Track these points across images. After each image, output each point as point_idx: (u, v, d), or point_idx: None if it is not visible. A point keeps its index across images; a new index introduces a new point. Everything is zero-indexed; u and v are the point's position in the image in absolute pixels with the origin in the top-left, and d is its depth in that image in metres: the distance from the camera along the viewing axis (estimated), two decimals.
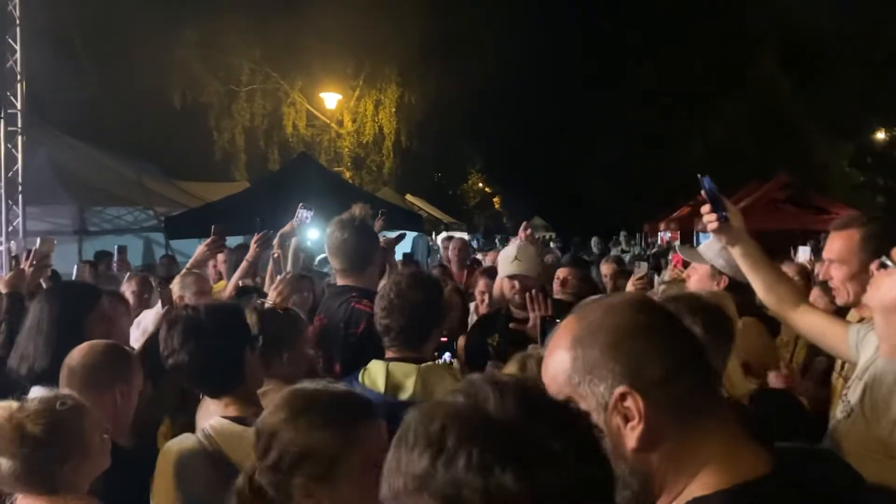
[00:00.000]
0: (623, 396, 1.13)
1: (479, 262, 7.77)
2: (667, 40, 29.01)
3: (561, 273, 4.99)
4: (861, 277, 2.46)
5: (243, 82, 23.82)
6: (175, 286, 4.20)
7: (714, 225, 2.48)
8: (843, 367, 2.93)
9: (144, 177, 12.78)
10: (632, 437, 1.13)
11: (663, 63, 29.30)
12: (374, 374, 2.65)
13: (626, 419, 1.14)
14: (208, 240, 4.25)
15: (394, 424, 2.00)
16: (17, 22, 9.80)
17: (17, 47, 9.78)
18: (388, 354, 2.75)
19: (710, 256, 3.37)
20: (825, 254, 2.77)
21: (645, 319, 1.19)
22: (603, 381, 1.15)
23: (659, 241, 20.96)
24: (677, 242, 15.74)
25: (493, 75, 26.57)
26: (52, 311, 3.05)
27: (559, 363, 1.20)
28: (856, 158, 27.60)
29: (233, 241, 8.63)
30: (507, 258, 3.97)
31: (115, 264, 5.86)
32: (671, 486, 1.16)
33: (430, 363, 2.72)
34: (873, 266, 2.21)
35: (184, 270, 4.37)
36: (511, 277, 3.90)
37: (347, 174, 24.02)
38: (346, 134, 25.13)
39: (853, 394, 2.22)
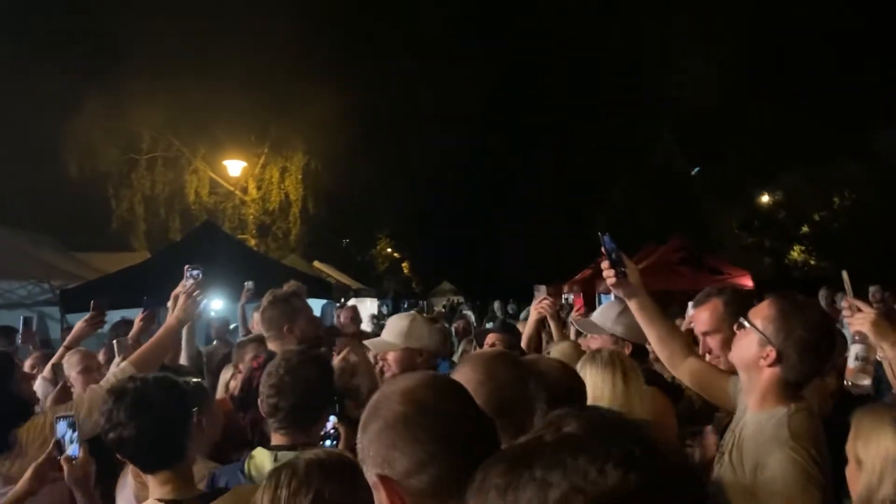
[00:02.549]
0: (376, 483, 1.25)
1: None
2: (571, 116, 30.45)
3: (490, 339, 5.00)
4: (733, 342, 2.68)
5: (144, 150, 23.35)
6: (64, 364, 4.11)
7: (612, 280, 2.62)
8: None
9: (39, 248, 12.23)
10: None
11: (567, 138, 30.66)
12: (261, 465, 2.43)
13: (383, 498, 1.24)
14: (87, 315, 4.16)
15: None
16: None
17: None
18: (276, 440, 2.54)
19: (607, 326, 3.47)
20: (697, 329, 2.98)
21: (402, 411, 1.26)
22: (369, 466, 1.27)
23: (563, 303, 21.43)
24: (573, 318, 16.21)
25: (401, 143, 27.09)
26: None
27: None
28: (745, 222, 29.40)
29: (133, 312, 8.35)
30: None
31: (19, 337, 5.59)
32: None
33: (313, 450, 2.58)
34: (735, 327, 2.39)
35: (62, 349, 4.27)
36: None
37: (252, 241, 23.66)
38: (251, 201, 24.86)
39: (726, 445, 2.36)
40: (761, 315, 2.27)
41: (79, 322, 4.23)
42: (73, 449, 2.64)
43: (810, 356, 2.22)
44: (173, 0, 20.69)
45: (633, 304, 2.69)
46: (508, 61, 31.19)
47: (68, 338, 4.31)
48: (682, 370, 2.70)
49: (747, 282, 15.61)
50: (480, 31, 31.17)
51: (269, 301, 3.88)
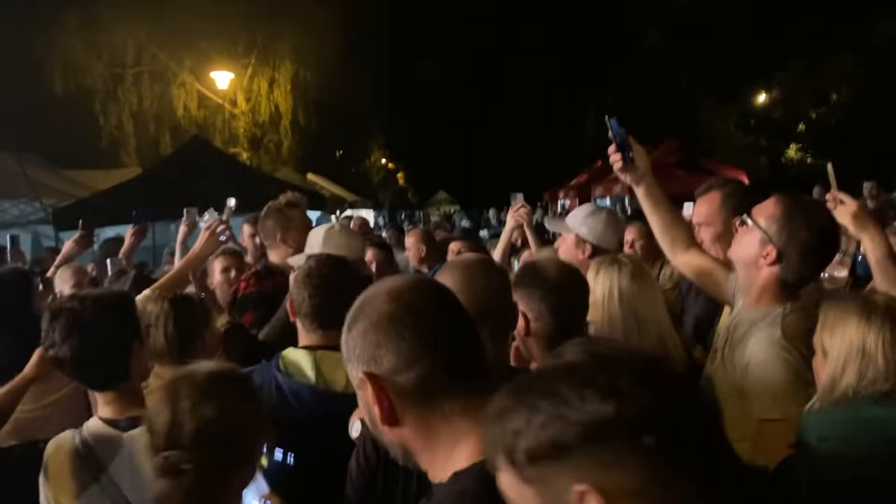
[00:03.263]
0: (363, 380, 1.27)
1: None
2: (560, 18, 29.65)
3: (455, 246, 5.05)
4: (726, 237, 2.68)
5: (129, 64, 22.84)
6: (56, 280, 4.14)
7: (619, 165, 2.56)
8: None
9: (27, 167, 12.12)
10: (375, 413, 1.27)
11: (557, 38, 29.95)
12: (297, 362, 2.40)
13: (369, 401, 1.27)
14: (76, 235, 4.17)
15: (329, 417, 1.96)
16: None
17: None
18: (310, 340, 2.50)
19: (573, 224, 3.45)
20: (694, 219, 2.98)
21: (389, 310, 1.27)
22: (355, 364, 1.29)
23: (559, 210, 21.47)
24: (546, 216, 16.30)
25: (391, 49, 26.50)
26: None
27: None
28: (740, 122, 29.04)
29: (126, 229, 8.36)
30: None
31: (9, 254, 5.60)
32: (430, 460, 1.29)
33: None
34: (736, 222, 2.37)
35: (53, 268, 4.30)
36: None
37: (245, 155, 23.46)
38: (241, 114, 24.52)
39: (720, 340, 2.38)
40: (765, 213, 2.24)
41: (68, 241, 4.24)
42: None
43: (812, 259, 2.20)
44: None
45: (639, 191, 2.63)
46: None
47: (59, 257, 4.33)
48: (682, 260, 2.68)
49: (743, 181, 15.58)
50: None
51: (264, 212, 3.89)
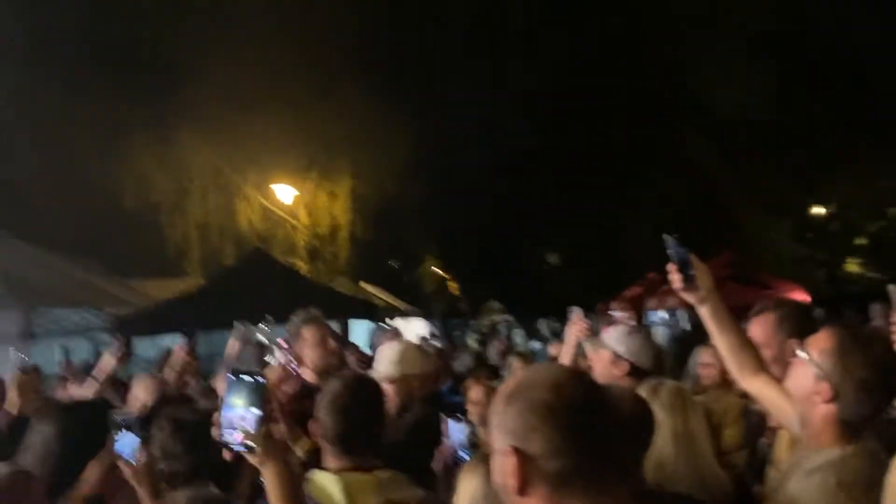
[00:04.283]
0: (508, 452, 1.39)
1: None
2: (604, 126, 30.10)
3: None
4: (783, 360, 2.56)
5: (195, 178, 23.96)
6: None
7: (678, 285, 2.50)
8: None
9: (93, 277, 12.65)
10: (510, 484, 1.39)
11: (600, 147, 30.35)
12: (324, 487, 2.39)
13: (508, 469, 1.39)
14: (113, 348, 4.23)
15: None
16: None
17: None
18: (336, 463, 2.50)
19: (609, 342, 3.43)
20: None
21: (548, 399, 1.39)
22: (504, 434, 1.42)
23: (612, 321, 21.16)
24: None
25: (445, 163, 27.21)
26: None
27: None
28: (794, 234, 28.59)
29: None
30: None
31: (60, 366, 5.81)
32: None
33: (382, 473, 2.56)
34: (791, 346, 2.30)
35: (91, 379, 4.35)
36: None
37: (303, 265, 24.02)
38: (301, 226, 25.29)
39: (774, 480, 2.31)
40: (819, 346, 2.12)
41: (105, 355, 4.35)
42: (125, 447, 2.58)
43: (871, 396, 2.06)
44: (224, 32, 21.30)
45: (703, 311, 2.54)
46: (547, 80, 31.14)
47: (97, 370, 4.41)
48: (750, 385, 2.57)
49: (801, 296, 15.20)
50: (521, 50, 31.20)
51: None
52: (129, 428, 2.59)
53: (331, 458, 2.52)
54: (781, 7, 24.22)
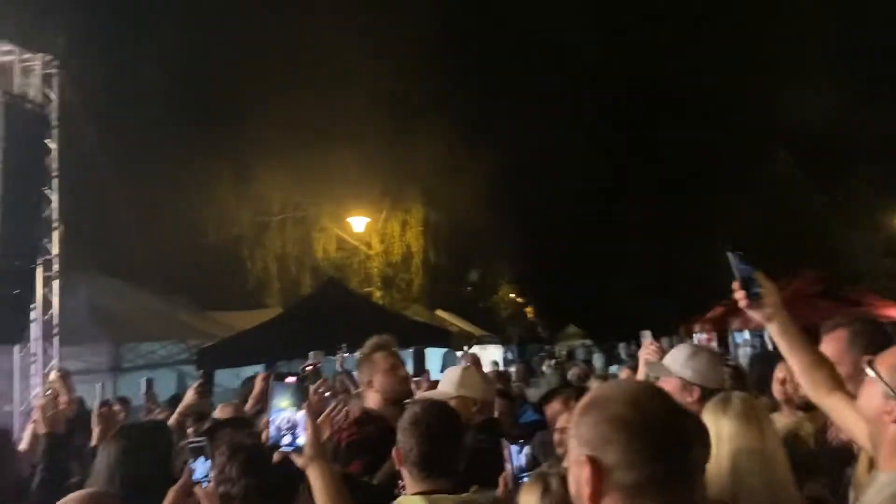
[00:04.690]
0: (584, 462, 1.41)
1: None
2: (680, 146, 29.59)
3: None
4: (856, 378, 2.39)
5: (274, 212, 24.67)
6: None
7: (743, 303, 2.43)
8: None
9: (178, 310, 13.11)
10: (585, 492, 1.41)
11: (681, 167, 29.82)
12: None
13: (583, 478, 1.41)
14: (195, 384, 4.31)
15: None
16: (55, 173, 10.36)
17: (54, 197, 10.31)
18: (424, 486, 2.55)
19: (675, 368, 3.28)
20: None
21: (625, 413, 1.42)
22: (581, 444, 1.45)
23: (696, 343, 20.64)
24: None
25: (518, 190, 27.24)
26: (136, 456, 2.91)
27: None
28: (886, 249, 27.31)
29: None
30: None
31: (143, 397, 6.01)
32: None
33: (468, 494, 2.59)
34: (863, 362, 2.14)
35: (176, 414, 4.43)
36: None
37: (378, 294, 24.31)
38: (375, 255, 25.64)
39: (855, 490, 2.23)
40: (887, 364, 2.02)
41: (189, 390, 4.45)
42: (201, 474, 2.71)
43: None
44: (300, 72, 22.06)
45: (772, 329, 2.46)
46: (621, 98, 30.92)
47: (181, 405, 4.51)
48: (824, 403, 2.47)
49: (893, 312, 14.48)
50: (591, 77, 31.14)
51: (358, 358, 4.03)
52: (201, 453, 2.75)
53: (414, 483, 2.56)
54: (865, 22, 23.47)
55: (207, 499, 2.62)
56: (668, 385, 3.29)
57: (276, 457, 2.21)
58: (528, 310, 42.00)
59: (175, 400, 7.34)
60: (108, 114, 13.49)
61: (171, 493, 2.69)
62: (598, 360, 19.74)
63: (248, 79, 21.52)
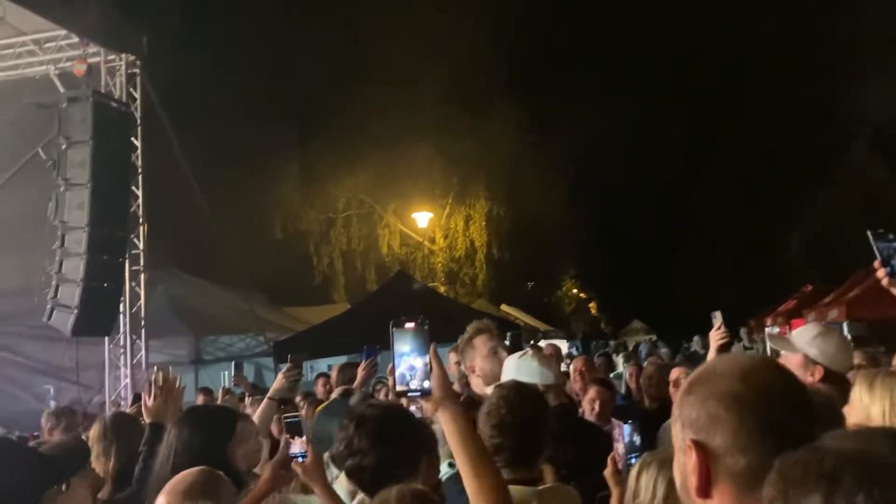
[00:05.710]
0: (689, 447, 1.23)
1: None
2: (753, 141, 28.85)
3: (674, 373, 4.88)
4: None
5: (340, 209, 25.01)
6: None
7: (885, 281, 2.42)
8: None
9: (254, 305, 13.42)
10: (691, 482, 1.23)
11: (750, 160, 29.06)
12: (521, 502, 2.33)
13: (689, 467, 1.24)
14: (285, 368, 4.37)
15: None
16: (140, 171, 10.73)
17: (140, 194, 10.69)
18: (511, 476, 2.41)
19: (800, 345, 3.19)
20: None
21: (737, 388, 1.23)
22: (685, 428, 1.26)
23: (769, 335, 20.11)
24: (768, 329, 15.06)
25: (581, 180, 26.98)
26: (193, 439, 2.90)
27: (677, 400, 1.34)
28: None
29: (338, 359, 8.92)
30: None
31: (232, 379, 6.16)
32: None
33: (548, 485, 2.53)
34: None
35: (266, 398, 4.51)
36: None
37: (442, 289, 24.42)
38: (439, 250, 25.75)
39: None
40: None
41: (279, 375, 4.52)
42: (299, 448, 2.83)
43: None
44: (366, 72, 22.36)
45: None
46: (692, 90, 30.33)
47: (271, 389, 4.58)
48: None
49: None
50: (658, 67, 30.57)
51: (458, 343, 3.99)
52: (296, 429, 2.86)
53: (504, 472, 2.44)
54: None
55: (308, 473, 2.72)
56: (790, 362, 3.21)
57: (404, 403, 2.17)
58: (592, 305, 41.62)
59: (254, 390, 7.53)
60: (187, 113, 13.89)
61: (268, 468, 2.77)
62: (664, 356, 19.39)
63: (316, 79, 21.86)
